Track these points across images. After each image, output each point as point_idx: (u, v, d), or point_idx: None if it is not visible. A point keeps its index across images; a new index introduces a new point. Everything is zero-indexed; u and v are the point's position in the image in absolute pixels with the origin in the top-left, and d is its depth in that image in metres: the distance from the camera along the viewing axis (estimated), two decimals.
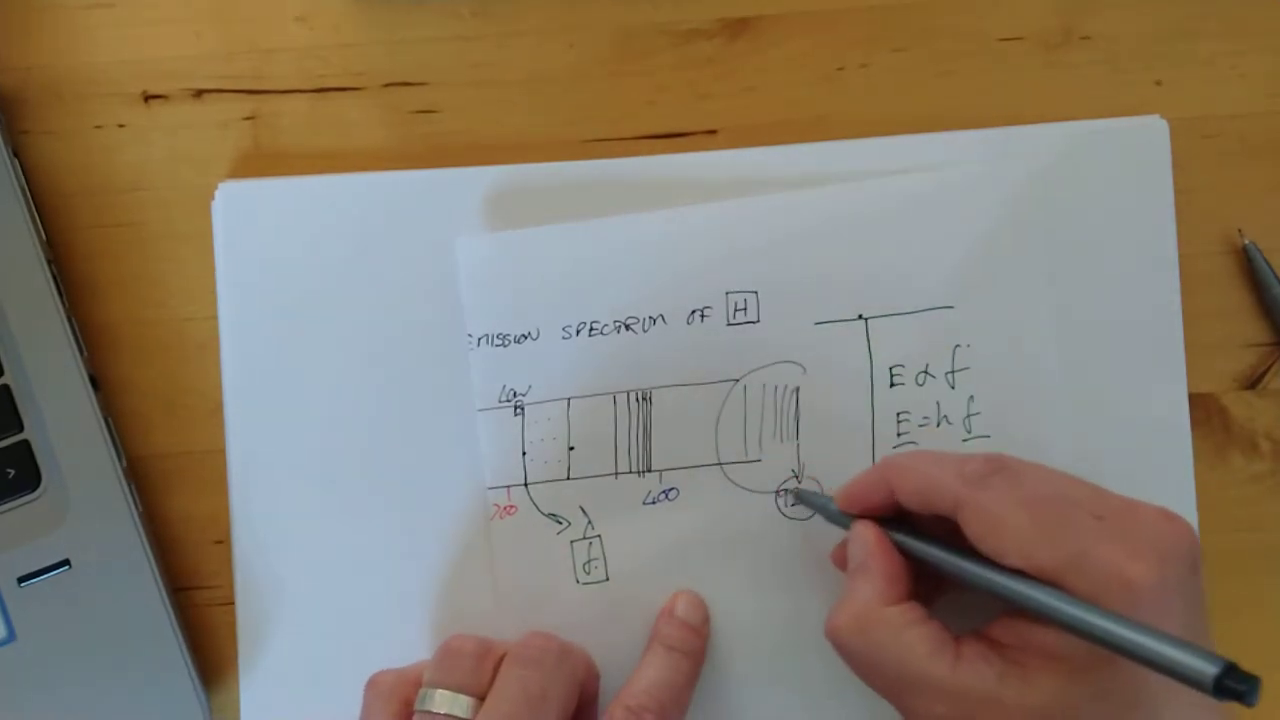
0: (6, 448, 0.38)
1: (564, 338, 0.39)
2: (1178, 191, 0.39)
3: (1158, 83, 0.40)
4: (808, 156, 0.39)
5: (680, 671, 0.37)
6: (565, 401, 0.39)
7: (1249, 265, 0.40)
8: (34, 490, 0.38)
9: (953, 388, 0.39)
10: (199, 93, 0.41)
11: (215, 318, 0.40)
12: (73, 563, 0.38)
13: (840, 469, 0.38)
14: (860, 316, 0.39)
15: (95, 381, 0.39)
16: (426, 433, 0.39)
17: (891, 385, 0.39)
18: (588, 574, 0.39)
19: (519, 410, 0.39)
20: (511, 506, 0.39)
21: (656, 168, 0.39)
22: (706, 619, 0.38)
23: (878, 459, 0.39)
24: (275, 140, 0.41)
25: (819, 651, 0.37)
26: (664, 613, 0.38)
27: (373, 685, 0.36)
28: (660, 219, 0.39)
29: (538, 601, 0.39)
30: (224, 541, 0.40)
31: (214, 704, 0.40)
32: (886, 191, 0.39)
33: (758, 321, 0.39)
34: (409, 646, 0.39)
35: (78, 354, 0.39)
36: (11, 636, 0.38)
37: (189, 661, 0.38)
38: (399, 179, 0.40)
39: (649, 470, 0.39)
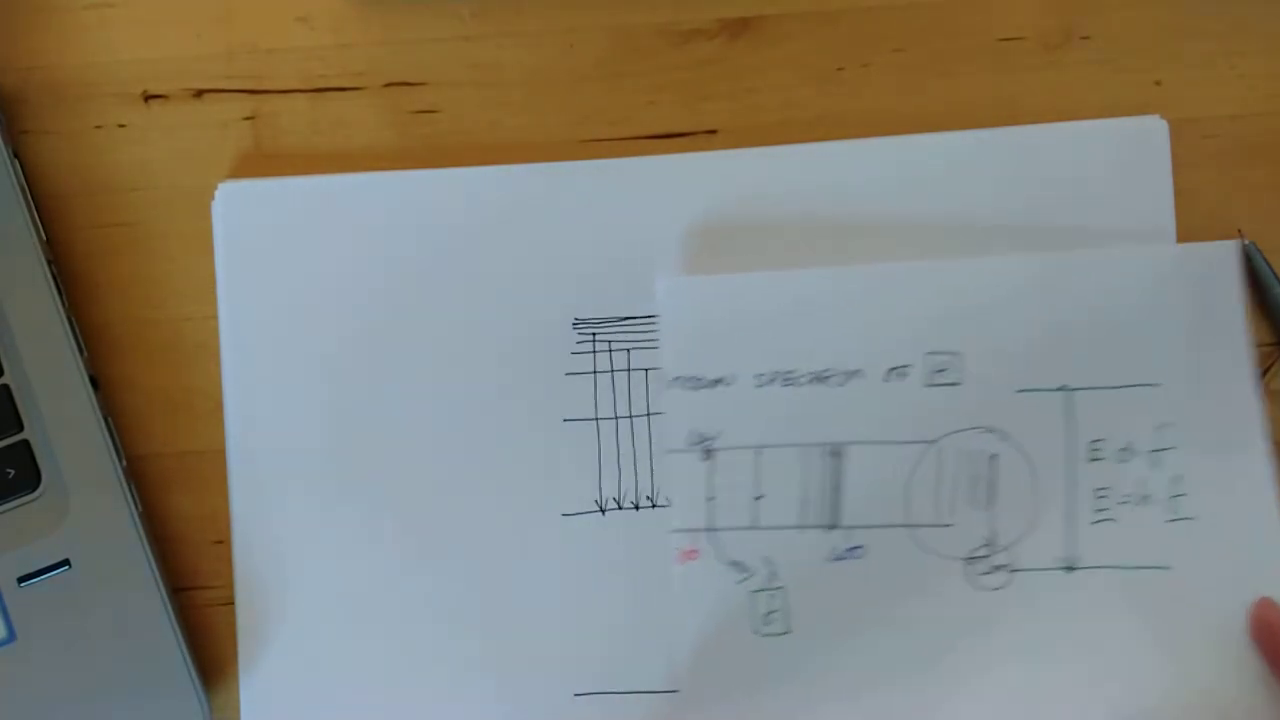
0: (6, 448, 0.38)
1: (758, 385, 0.38)
2: (1177, 191, 0.39)
3: (1158, 83, 0.40)
4: (808, 156, 0.39)
5: None
6: (755, 450, 0.38)
7: (1249, 265, 0.40)
8: (34, 490, 0.38)
9: (1156, 466, 0.38)
10: (199, 93, 0.41)
11: (215, 318, 0.40)
12: (73, 563, 0.38)
13: (1034, 543, 0.38)
14: (1063, 387, 0.38)
15: (95, 381, 0.39)
16: (426, 430, 0.39)
17: (1091, 459, 0.38)
18: (767, 625, 0.39)
19: (708, 454, 0.38)
20: (694, 551, 0.39)
21: (656, 168, 0.39)
22: None
23: (1073, 533, 0.38)
24: (275, 140, 0.41)
25: None
26: None
27: None
28: (866, 274, 0.38)
29: (713, 648, 0.39)
30: (224, 541, 0.40)
31: (214, 704, 0.40)
32: (1098, 264, 0.38)
33: (958, 384, 0.38)
34: (409, 646, 0.39)
35: (78, 354, 0.39)
36: (11, 636, 0.38)
37: (189, 661, 0.38)
38: (399, 179, 0.40)
39: (836, 526, 0.38)
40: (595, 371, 0.40)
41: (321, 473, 0.39)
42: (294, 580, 0.39)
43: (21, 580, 0.38)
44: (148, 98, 0.41)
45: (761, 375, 0.38)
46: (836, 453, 0.38)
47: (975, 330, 0.38)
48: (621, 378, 0.40)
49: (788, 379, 0.38)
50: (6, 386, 0.38)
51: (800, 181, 0.39)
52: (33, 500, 0.38)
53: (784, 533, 0.38)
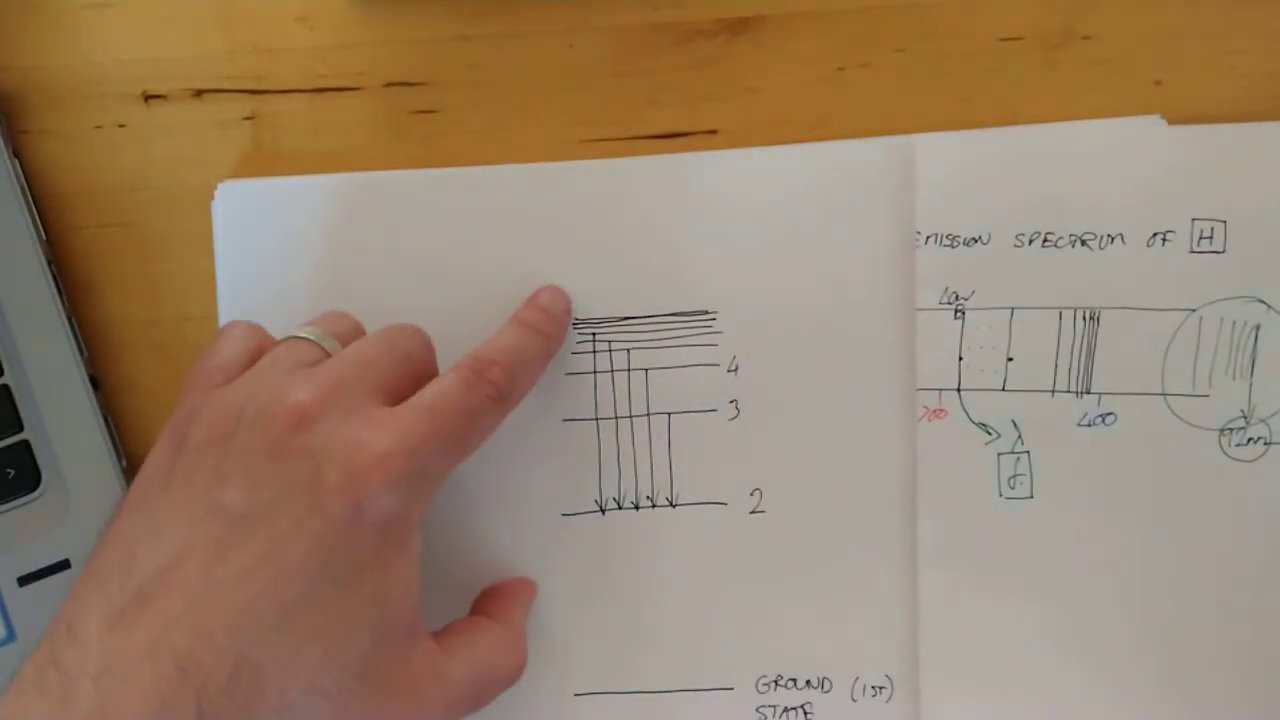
0: (6, 448, 0.38)
1: (1016, 246, 0.38)
2: None
3: (1158, 83, 0.40)
4: (807, 156, 0.39)
5: (533, 345, 0.37)
6: (1009, 311, 0.38)
7: None
8: (34, 490, 0.38)
9: None
10: (199, 93, 0.41)
11: (215, 318, 0.40)
12: (73, 563, 0.38)
13: None
14: None
15: (95, 381, 0.39)
16: None
17: None
18: (1012, 489, 0.38)
19: (960, 314, 0.38)
20: (941, 410, 0.38)
21: (656, 168, 0.39)
22: (568, 312, 0.39)
23: None
24: (275, 140, 0.41)
25: (1244, 609, 0.37)
26: (527, 300, 0.38)
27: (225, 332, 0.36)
28: (1133, 130, 0.38)
29: (958, 509, 0.39)
30: None
31: None
32: None
33: (1223, 252, 0.37)
34: None
35: (78, 354, 0.39)
36: (11, 637, 0.38)
37: None
38: (399, 179, 0.40)
39: (1088, 392, 0.38)
40: (595, 371, 0.40)
41: None
42: None
43: (21, 580, 0.38)
44: (148, 98, 0.41)
45: (1021, 235, 0.38)
46: (1093, 317, 0.38)
47: (1243, 197, 0.37)
48: (621, 378, 0.40)
49: (1048, 240, 0.38)
50: (6, 386, 0.38)
51: (798, 181, 0.39)
52: (33, 500, 0.38)
53: (1034, 396, 0.38)
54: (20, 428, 0.38)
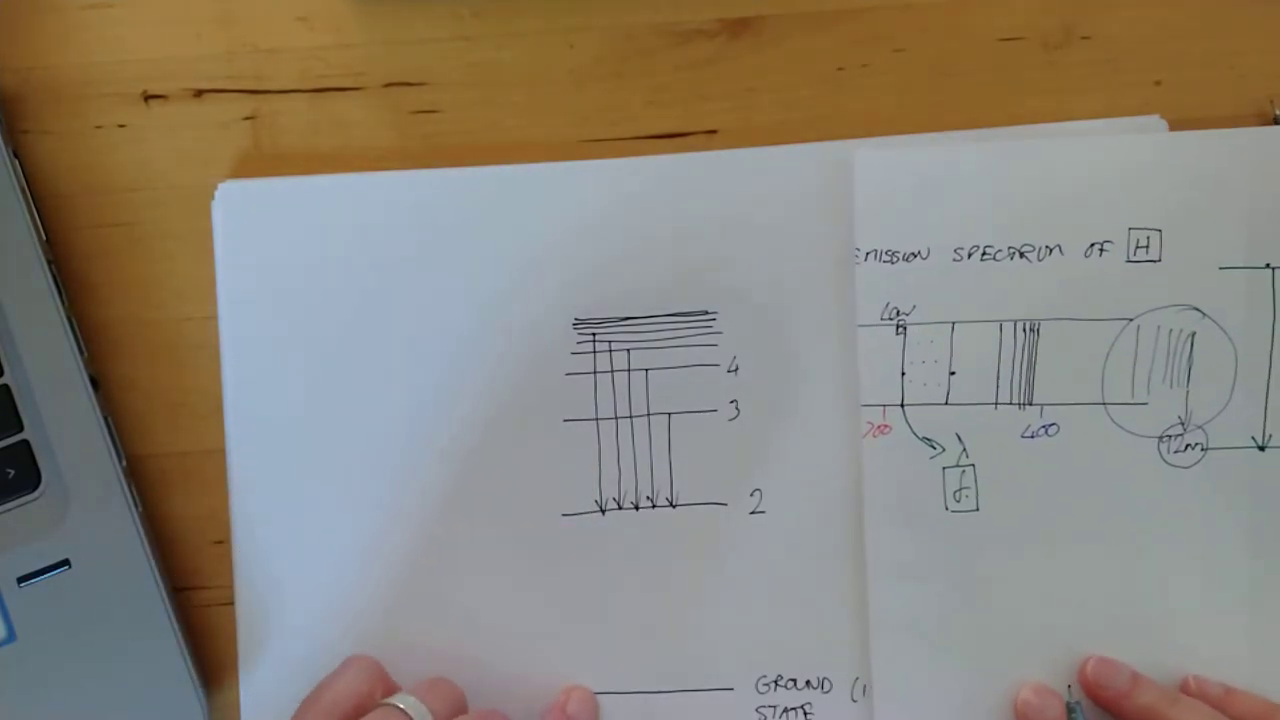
0: (6, 448, 0.38)
1: (955, 260, 0.38)
2: None
3: (1158, 83, 0.40)
4: (808, 156, 0.39)
5: None
6: (950, 325, 0.38)
7: None
8: (34, 490, 0.38)
9: None
10: (199, 93, 0.41)
11: (215, 318, 0.40)
12: (73, 563, 0.38)
13: (1228, 420, 0.38)
14: (1269, 265, 0.38)
15: (95, 381, 0.39)
16: (427, 430, 0.39)
17: None
18: (958, 501, 0.39)
19: (901, 329, 0.38)
20: (886, 426, 0.39)
21: (656, 168, 0.39)
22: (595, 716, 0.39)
23: (1269, 412, 0.38)
24: (275, 140, 0.41)
25: (1184, 613, 0.37)
26: (555, 708, 0.39)
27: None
28: (1068, 147, 0.38)
29: (905, 522, 0.39)
30: (224, 541, 0.40)
31: (214, 704, 0.40)
32: None
33: (1159, 261, 0.38)
34: (409, 646, 0.39)
35: (78, 354, 0.39)
36: (11, 636, 0.38)
37: (189, 662, 0.38)
38: (399, 179, 0.40)
39: (1030, 403, 0.38)
40: (595, 371, 0.40)
41: (321, 472, 0.39)
42: (294, 580, 0.39)
43: (21, 580, 0.38)
44: (148, 98, 0.41)
45: (959, 250, 0.38)
46: (1033, 329, 0.38)
47: (1178, 205, 0.38)
48: (621, 378, 0.40)
49: (986, 253, 0.38)
50: (6, 386, 0.38)
51: (799, 182, 0.39)
52: (33, 500, 0.38)
53: (977, 409, 0.38)
54: (20, 428, 0.38)
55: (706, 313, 0.40)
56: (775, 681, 0.40)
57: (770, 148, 0.39)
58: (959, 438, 0.39)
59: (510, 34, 0.40)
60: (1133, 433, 0.38)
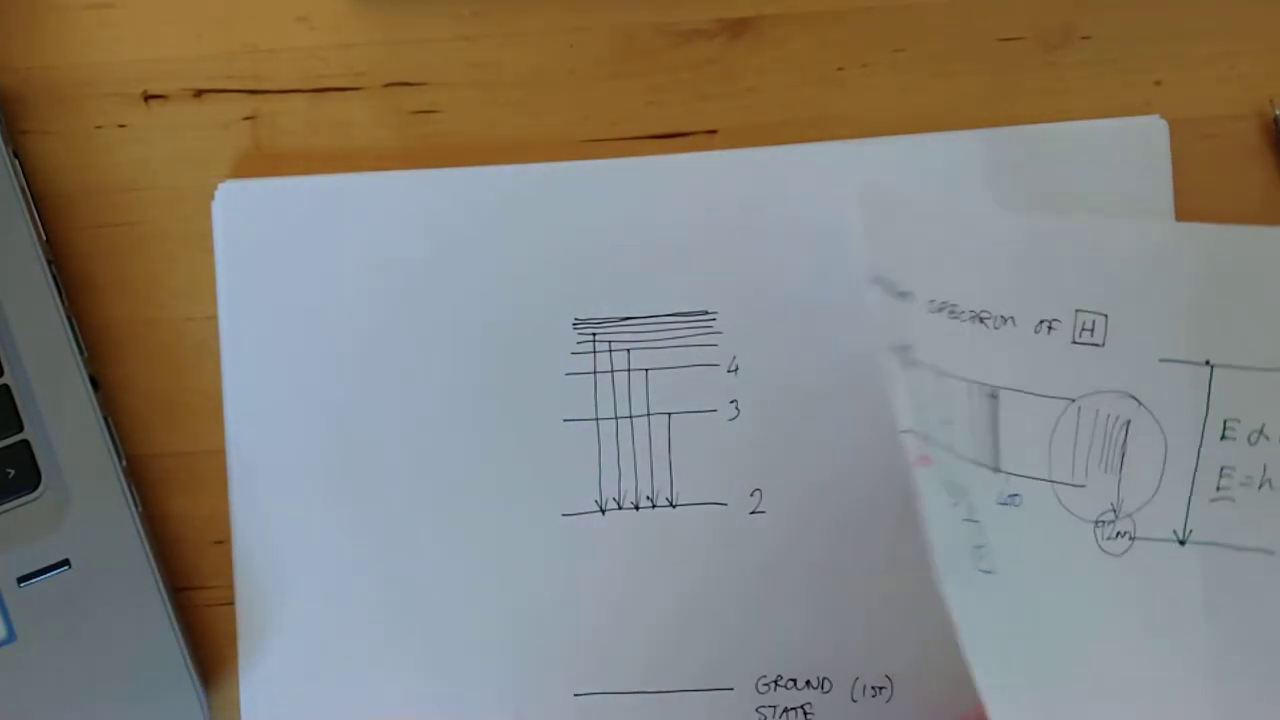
0: (6, 448, 0.38)
1: (930, 310, 0.37)
2: (1177, 191, 0.39)
3: (1158, 83, 0.40)
4: (808, 156, 0.39)
5: None
6: (936, 372, 0.37)
7: None
8: (34, 490, 0.38)
9: None
10: (199, 93, 0.41)
11: (215, 318, 0.40)
12: (73, 563, 0.38)
13: (1155, 512, 0.37)
14: (1207, 363, 0.37)
15: (95, 381, 0.39)
16: (427, 430, 0.39)
17: (1223, 438, 0.37)
18: (979, 561, 0.37)
19: (907, 364, 0.37)
20: (928, 457, 0.36)
21: (656, 168, 0.40)
22: None
23: (1192, 507, 0.37)
24: (275, 140, 0.41)
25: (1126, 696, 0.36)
26: None
27: None
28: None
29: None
30: (224, 541, 0.40)
31: (214, 704, 0.40)
32: (1258, 239, 0.37)
33: (1101, 345, 0.37)
34: (410, 646, 0.39)
35: (78, 354, 0.39)
36: (11, 637, 0.38)
37: (189, 662, 0.38)
38: (399, 179, 0.40)
39: (999, 470, 0.38)
40: (595, 371, 0.40)
41: (322, 472, 0.39)
42: (294, 580, 0.39)
43: (21, 580, 0.38)
44: (148, 98, 0.41)
45: (933, 301, 0.37)
46: (994, 395, 0.37)
47: (1125, 293, 0.37)
48: (621, 378, 0.40)
49: (952, 311, 0.37)
50: (6, 386, 0.38)
51: (799, 182, 0.39)
52: (33, 500, 0.38)
53: (966, 464, 0.37)
54: (20, 428, 0.38)
55: (706, 313, 0.40)
56: (775, 681, 0.40)
57: (770, 148, 0.40)
58: (965, 491, 0.37)
59: (510, 34, 0.40)
60: (1075, 514, 0.38)
